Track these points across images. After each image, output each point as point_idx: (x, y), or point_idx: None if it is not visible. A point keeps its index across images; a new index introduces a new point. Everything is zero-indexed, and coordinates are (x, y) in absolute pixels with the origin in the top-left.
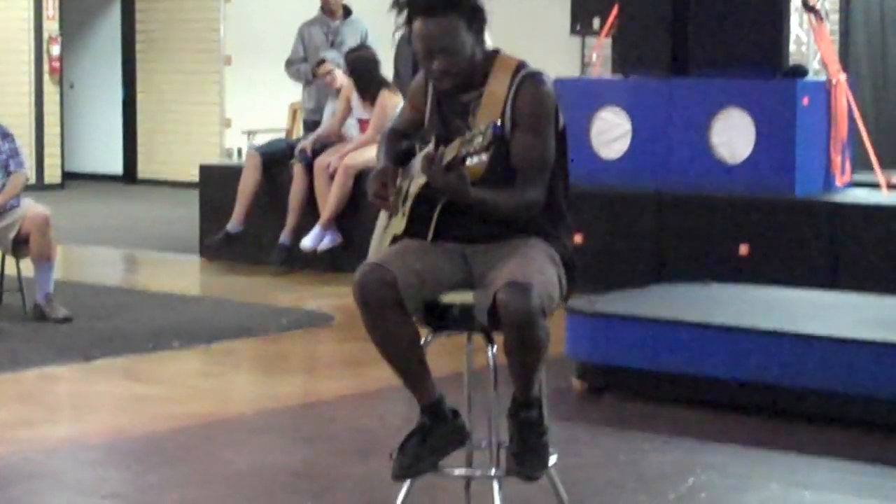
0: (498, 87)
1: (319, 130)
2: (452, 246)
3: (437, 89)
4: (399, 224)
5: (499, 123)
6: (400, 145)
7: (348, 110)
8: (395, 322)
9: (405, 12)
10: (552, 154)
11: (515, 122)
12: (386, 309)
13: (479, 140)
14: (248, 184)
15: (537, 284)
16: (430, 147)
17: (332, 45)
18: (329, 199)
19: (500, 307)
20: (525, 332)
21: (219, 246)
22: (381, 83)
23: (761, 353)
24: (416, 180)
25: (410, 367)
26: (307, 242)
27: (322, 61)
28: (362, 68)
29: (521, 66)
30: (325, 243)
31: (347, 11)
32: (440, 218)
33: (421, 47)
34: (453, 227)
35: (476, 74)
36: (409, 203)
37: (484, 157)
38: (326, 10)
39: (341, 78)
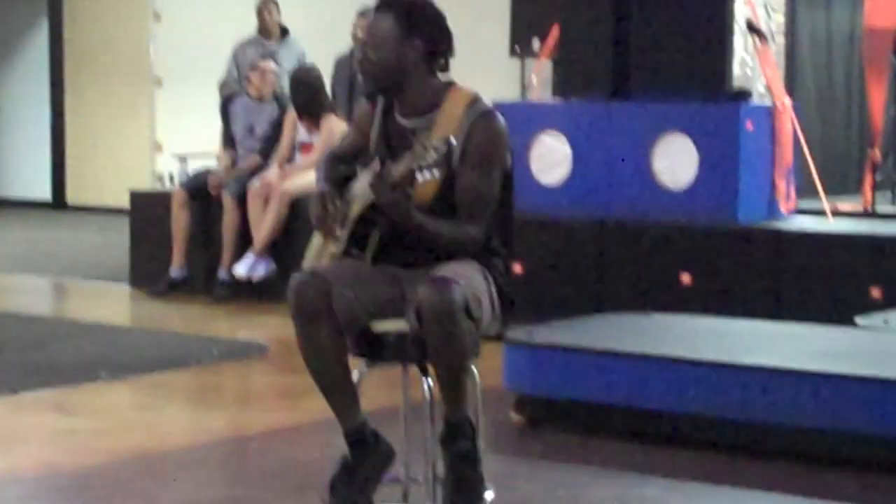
0: (449, 118)
1: (278, 160)
2: (391, 270)
3: (383, 114)
4: (338, 245)
5: (453, 141)
6: (339, 170)
7: (293, 134)
8: (326, 334)
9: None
10: (496, 195)
11: (464, 157)
12: (318, 319)
13: (431, 154)
14: (180, 224)
15: (460, 283)
16: (376, 164)
17: (249, 66)
18: (263, 226)
19: (420, 301)
20: (446, 327)
21: (164, 292)
22: (327, 107)
23: (703, 384)
24: (359, 201)
25: (337, 386)
26: (240, 270)
27: (274, 59)
28: (306, 91)
29: (475, 100)
30: (260, 272)
31: (284, 32)
32: (380, 239)
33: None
34: (391, 251)
35: (426, 101)
36: (349, 225)
37: (436, 172)
38: (263, 30)
39: (271, 86)
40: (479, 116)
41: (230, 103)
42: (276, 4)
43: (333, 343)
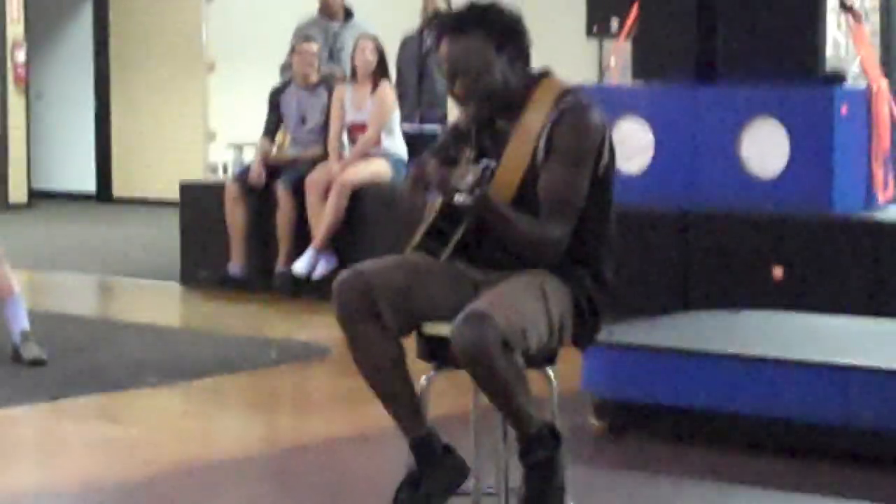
0: (535, 116)
1: (332, 145)
2: (466, 270)
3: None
4: (417, 236)
5: (492, 166)
6: (443, 142)
7: (342, 116)
8: (373, 336)
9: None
10: (583, 193)
11: (548, 154)
12: (361, 321)
13: (468, 179)
14: (235, 219)
15: (500, 315)
16: (469, 160)
17: (331, 50)
18: (323, 219)
19: (452, 341)
20: (479, 368)
21: (218, 284)
22: (386, 75)
23: (799, 387)
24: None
25: (395, 391)
26: (300, 268)
27: (313, 38)
28: (380, 51)
29: (565, 93)
30: (321, 269)
31: (348, 13)
32: (462, 237)
33: (445, 68)
34: (472, 248)
35: (512, 101)
36: (431, 216)
37: (465, 198)
38: (326, 10)
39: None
40: (565, 111)
41: (281, 92)
42: None
43: (384, 346)
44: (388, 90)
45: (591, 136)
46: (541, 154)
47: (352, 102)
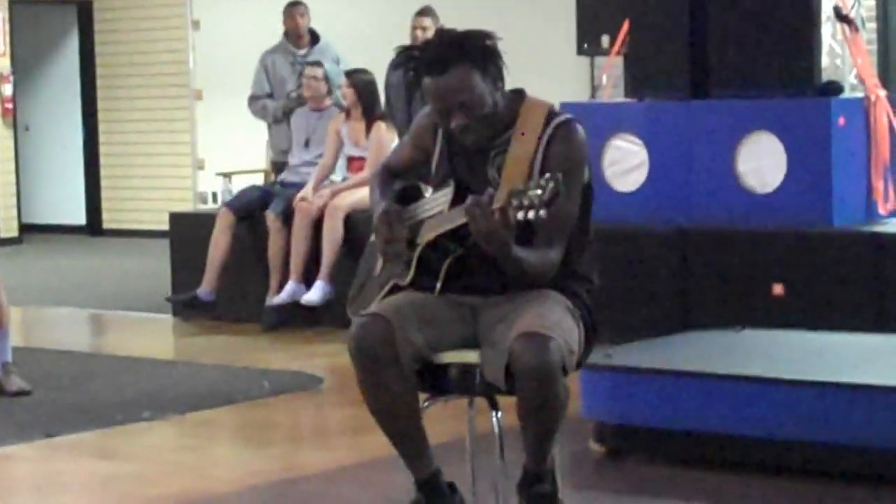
0: (528, 136)
1: (317, 174)
2: (460, 298)
3: (448, 132)
4: (404, 273)
5: (560, 178)
6: (394, 185)
7: (339, 143)
8: (394, 383)
9: (411, 72)
10: (576, 213)
11: (543, 172)
12: (384, 367)
13: (537, 193)
14: (219, 247)
15: (557, 336)
16: (450, 191)
17: (299, 76)
18: (324, 249)
19: (515, 361)
20: (544, 390)
21: (184, 306)
22: (380, 113)
23: (802, 407)
24: (432, 227)
25: (407, 434)
26: (314, 298)
27: (318, 63)
28: (369, 90)
29: (552, 113)
30: (316, 296)
31: (315, 37)
32: (450, 268)
33: (437, 107)
34: (464, 277)
35: (499, 120)
36: (417, 251)
37: (542, 212)
38: (292, 36)
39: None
40: (557, 129)
41: (292, 115)
42: (305, 5)
43: (402, 390)
44: (383, 131)
45: (583, 151)
46: (536, 175)
47: (349, 136)
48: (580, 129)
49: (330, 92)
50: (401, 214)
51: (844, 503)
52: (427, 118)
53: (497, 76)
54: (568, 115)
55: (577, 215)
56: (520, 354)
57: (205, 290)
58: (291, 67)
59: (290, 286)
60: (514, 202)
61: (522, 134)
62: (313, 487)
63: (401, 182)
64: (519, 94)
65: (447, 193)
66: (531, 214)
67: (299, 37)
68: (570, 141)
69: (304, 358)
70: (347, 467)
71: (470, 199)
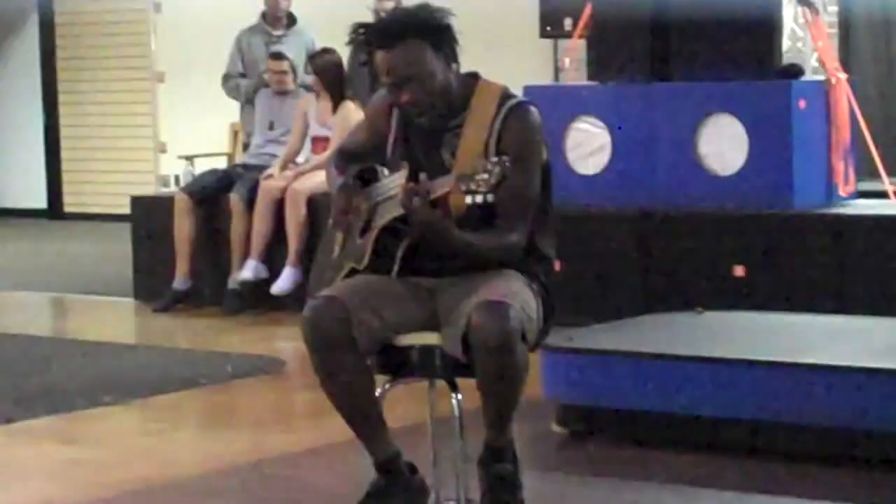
0: (481, 118)
1: (285, 155)
2: (418, 280)
3: (403, 113)
4: (360, 256)
5: (507, 162)
6: (353, 168)
7: (306, 126)
8: (349, 365)
9: (363, 46)
10: (537, 194)
11: (500, 155)
12: (338, 350)
13: (483, 178)
14: (183, 232)
15: (514, 304)
16: (403, 174)
17: None
18: (289, 234)
19: (473, 329)
20: (504, 357)
21: (168, 307)
22: (348, 94)
23: (763, 387)
24: (388, 210)
25: (364, 417)
26: (285, 286)
27: (280, 56)
28: (333, 73)
29: (506, 94)
30: (286, 282)
31: (292, 20)
32: (406, 251)
33: (386, 80)
34: (420, 259)
35: (453, 102)
36: (373, 234)
37: (489, 197)
38: (270, 17)
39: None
40: (511, 111)
41: (256, 96)
42: None
43: (358, 374)
44: (350, 111)
45: (538, 133)
46: (491, 157)
47: (316, 116)
48: (534, 111)
49: (295, 78)
50: (354, 192)
51: (801, 481)
52: (382, 100)
53: (450, 55)
54: (521, 98)
55: (537, 197)
56: (478, 322)
57: (179, 280)
58: (266, 48)
59: (251, 263)
60: (462, 187)
61: (475, 118)
62: (278, 470)
63: (357, 165)
64: (473, 77)
65: (402, 175)
66: (479, 199)
67: (277, 18)
68: (523, 123)
69: (267, 341)
70: (312, 450)
71: (403, 191)
